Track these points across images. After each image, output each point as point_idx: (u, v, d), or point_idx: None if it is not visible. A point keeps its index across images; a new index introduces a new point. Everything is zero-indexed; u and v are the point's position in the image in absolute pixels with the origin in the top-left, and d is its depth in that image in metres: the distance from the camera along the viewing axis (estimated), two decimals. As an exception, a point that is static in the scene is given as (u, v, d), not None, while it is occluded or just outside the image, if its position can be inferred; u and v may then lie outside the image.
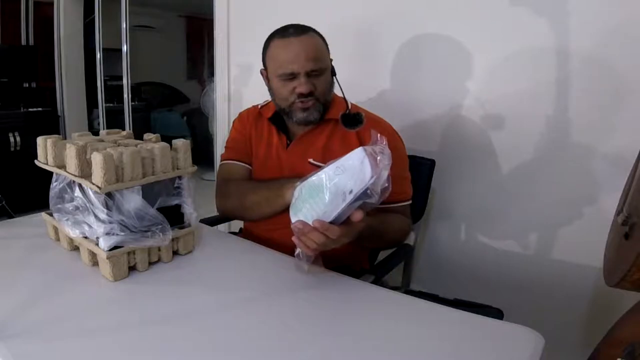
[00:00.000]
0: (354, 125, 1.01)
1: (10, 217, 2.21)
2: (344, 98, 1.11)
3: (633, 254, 0.55)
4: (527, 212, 1.35)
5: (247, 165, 1.16)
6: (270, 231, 1.09)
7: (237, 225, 1.49)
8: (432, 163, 1.32)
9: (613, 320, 0.68)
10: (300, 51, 0.98)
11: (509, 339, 0.69)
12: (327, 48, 1.06)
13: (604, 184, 1.20)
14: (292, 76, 1.00)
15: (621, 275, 0.58)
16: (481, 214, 1.45)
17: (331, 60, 1.07)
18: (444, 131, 1.45)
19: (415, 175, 1.13)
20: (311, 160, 1.08)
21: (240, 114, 1.23)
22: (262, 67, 1.10)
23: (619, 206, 0.72)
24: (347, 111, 1.05)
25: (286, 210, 0.85)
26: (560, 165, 1.27)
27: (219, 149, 2.20)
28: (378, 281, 1.05)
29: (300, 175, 1.05)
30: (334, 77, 1.08)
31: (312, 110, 1.03)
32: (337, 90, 1.12)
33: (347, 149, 1.04)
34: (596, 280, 1.25)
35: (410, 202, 1.10)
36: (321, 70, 1.01)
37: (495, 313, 0.97)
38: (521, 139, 1.32)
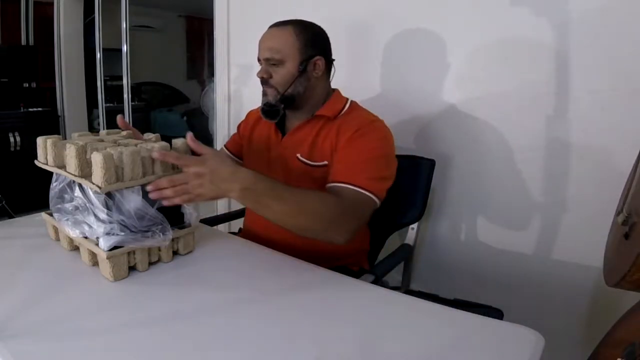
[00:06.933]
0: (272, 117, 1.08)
1: (10, 217, 2.21)
2: (326, 99, 1.11)
3: (633, 254, 0.55)
4: (527, 212, 1.35)
5: (230, 154, 1.28)
6: (270, 231, 1.09)
7: (237, 225, 1.48)
8: (432, 163, 1.32)
9: (613, 320, 0.68)
10: (266, 40, 1.06)
11: (509, 339, 0.69)
12: (308, 43, 1.04)
13: (604, 184, 1.20)
14: (260, 62, 1.08)
15: (621, 275, 0.58)
16: (481, 214, 1.44)
17: (313, 56, 1.04)
18: (443, 131, 1.45)
19: (416, 175, 1.12)
20: (298, 155, 1.08)
21: (248, 112, 1.30)
22: None
23: (619, 206, 0.72)
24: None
25: None
26: (560, 165, 1.27)
27: (219, 148, 2.20)
28: (378, 281, 1.04)
29: (291, 171, 1.08)
30: (328, 76, 1.11)
31: (268, 96, 1.07)
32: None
33: (325, 148, 1.05)
34: (596, 280, 1.25)
35: (359, 190, 0.95)
36: (277, 60, 1.04)
37: (495, 313, 0.97)
38: (521, 138, 1.32)
